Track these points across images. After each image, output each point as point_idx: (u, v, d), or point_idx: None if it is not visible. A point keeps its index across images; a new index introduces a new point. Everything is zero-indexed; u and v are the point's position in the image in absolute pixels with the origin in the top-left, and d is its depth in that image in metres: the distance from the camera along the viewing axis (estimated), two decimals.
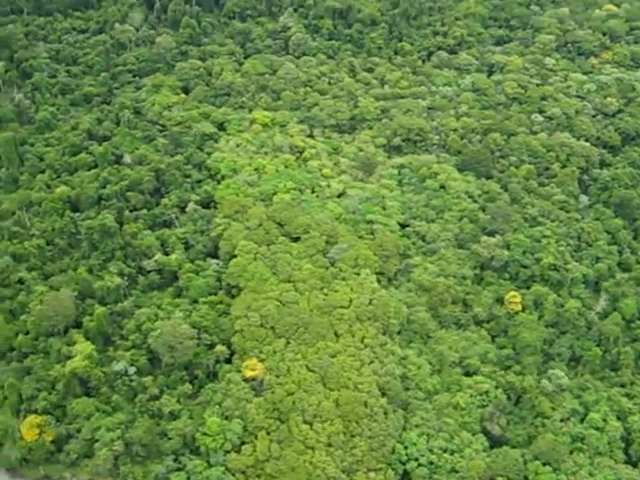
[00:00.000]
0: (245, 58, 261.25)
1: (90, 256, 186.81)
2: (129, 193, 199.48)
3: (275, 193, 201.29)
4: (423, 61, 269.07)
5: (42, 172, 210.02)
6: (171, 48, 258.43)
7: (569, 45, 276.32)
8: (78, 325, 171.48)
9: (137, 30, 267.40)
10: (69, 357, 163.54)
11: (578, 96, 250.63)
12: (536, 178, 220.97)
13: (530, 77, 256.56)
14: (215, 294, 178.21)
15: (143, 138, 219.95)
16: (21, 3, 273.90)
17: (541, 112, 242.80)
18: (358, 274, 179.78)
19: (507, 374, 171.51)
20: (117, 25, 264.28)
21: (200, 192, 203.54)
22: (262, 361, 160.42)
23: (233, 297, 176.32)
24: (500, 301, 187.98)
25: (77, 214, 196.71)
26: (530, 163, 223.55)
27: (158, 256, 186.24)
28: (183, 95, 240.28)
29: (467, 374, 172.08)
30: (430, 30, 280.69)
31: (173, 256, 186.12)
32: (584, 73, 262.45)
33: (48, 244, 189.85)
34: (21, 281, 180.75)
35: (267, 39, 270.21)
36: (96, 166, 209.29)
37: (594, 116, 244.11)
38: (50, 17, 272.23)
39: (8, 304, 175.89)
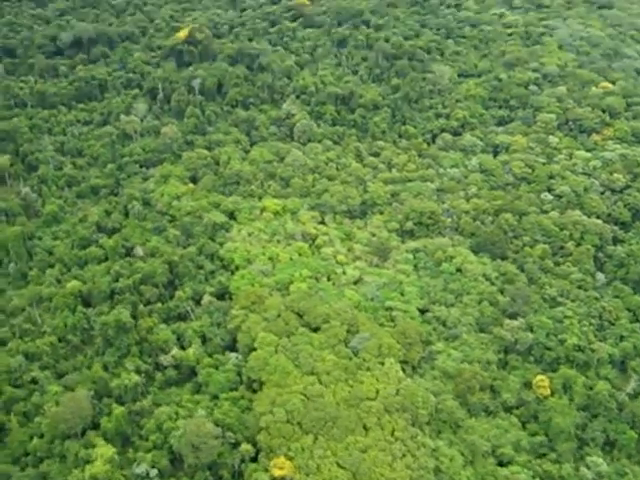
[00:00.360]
0: (251, 146, 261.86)
1: (105, 353, 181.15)
2: (142, 286, 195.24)
3: (291, 282, 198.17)
4: (428, 144, 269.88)
5: (52, 266, 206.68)
6: (177, 138, 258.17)
7: (570, 123, 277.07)
8: (95, 426, 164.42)
9: (142, 120, 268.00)
10: (87, 461, 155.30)
11: (585, 173, 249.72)
12: (551, 257, 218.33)
13: (536, 156, 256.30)
14: (236, 389, 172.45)
15: (153, 229, 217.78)
16: (25, 96, 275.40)
17: (550, 191, 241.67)
18: (382, 363, 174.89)
19: (543, 462, 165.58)
20: (122, 116, 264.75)
21: (214, 283, 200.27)
22: (290, 459, 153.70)
23: (255, 392, 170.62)
24: (528, 385, 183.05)
25: (89, 309, 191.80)
26: (544, 242, 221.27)
27: (175, 351, 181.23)
28: (191, 185, 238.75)
29: (501, 464, 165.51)
30: (432, 112, 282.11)
31: (190, 350, 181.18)
32: (588, 150, 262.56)
33: (60, 341, 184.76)
34: (34, 381, 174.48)
35: (271, 126, 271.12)
36: (107, 259, 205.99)
37: (602, 193, 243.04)
38: (54, 110, 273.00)
39: (22, 405, 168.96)
